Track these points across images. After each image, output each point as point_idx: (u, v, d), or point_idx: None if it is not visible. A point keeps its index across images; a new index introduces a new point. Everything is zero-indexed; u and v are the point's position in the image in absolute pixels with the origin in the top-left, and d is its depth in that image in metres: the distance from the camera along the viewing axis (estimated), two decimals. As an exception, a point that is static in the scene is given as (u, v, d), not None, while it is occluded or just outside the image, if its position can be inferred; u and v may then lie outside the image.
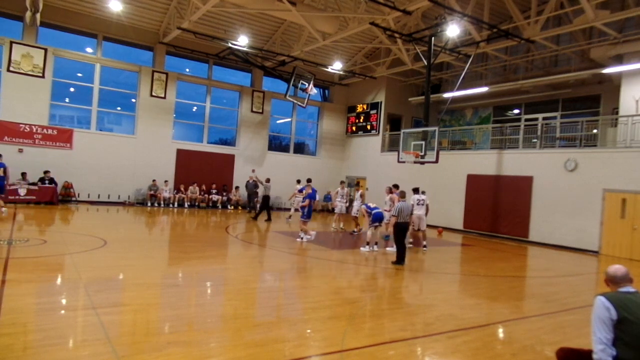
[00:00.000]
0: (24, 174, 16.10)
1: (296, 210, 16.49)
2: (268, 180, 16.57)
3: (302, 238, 11.71)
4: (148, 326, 4.74)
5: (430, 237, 13.70)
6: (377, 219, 10.90)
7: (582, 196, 13.94)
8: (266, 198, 16.32)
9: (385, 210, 11.97)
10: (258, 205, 18.18)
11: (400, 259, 9.26)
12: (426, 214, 12.15)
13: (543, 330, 5.53)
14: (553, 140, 16.04)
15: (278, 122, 23.64)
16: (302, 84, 19.95)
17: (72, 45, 17.84)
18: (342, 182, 16.28)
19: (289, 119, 23.64)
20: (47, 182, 16.49)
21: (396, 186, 12.29)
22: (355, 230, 14.11)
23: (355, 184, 16.16)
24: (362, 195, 14.19)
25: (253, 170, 20.43)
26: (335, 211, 15.25)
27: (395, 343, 4.71)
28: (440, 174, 17.90)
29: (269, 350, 4.25)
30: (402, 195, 10.07)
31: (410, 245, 11.76)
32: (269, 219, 16.06)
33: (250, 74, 22.08)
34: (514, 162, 16.05)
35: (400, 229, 9.36)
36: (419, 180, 17.89)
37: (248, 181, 19.32)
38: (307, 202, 12.05)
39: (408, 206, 9.67)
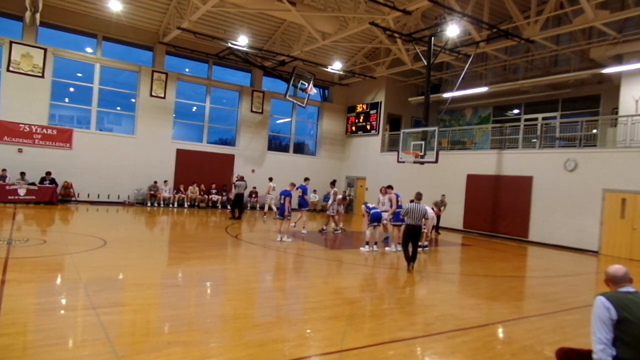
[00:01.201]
0: (22, 174, 16.08)
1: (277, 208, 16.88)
2: (241, 179, 16.50)
3: (280, 239, 11.42)
4: (148, 326, 4.74)
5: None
6: (375, 218, 10.89)
7: (582, 196, 13.94)
8: (238, 196, 16.28)
9: (383, 211, 11.97)
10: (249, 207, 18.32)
11: (407, 262, 8.78)
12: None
13: (543, 330, 5.53)
14: (553, 140, 16.04)
15: (278, 122, 23.64)
16: (301, 84, 19.95)
17: (72, 45, 17.84)
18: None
19: (289, 119, 23.63)
20: (47, 182, 16.48)
21: (390, 187, 12.20)
22: (325, 228, 14.05)
23: (331, 182, 15.93)
24: (334, 194, 14.17)
25: (253, 171, 20.43)
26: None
27: (395, 343, 4.71)
28: (440, 174, 17.90)
29: (269, 350, 4.25)
30: (418, 197, 9.13)
31: (427, 248, 11.72)
32: (234, 217, 16.08)
33: (250, 74, 22.07)
34: (514, 162, 16.05)
35: (409, 232, 8.73)
36: (418, 180, 17.92)
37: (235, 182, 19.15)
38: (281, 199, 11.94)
39: (420, 208, 8.71)
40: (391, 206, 11.37)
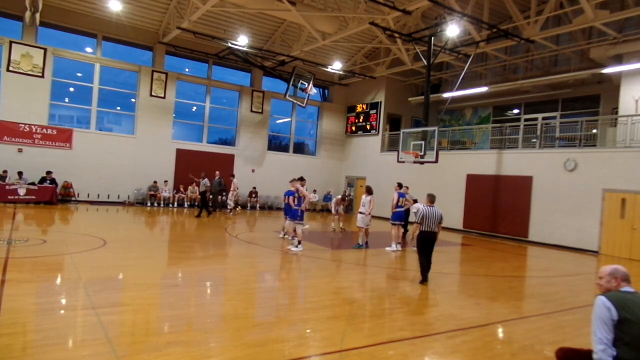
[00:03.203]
0: (20, 173, 16.02)
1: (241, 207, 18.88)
2: (203, 177, 16.28)
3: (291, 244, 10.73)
4: (148, 326, 4.74)
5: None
6: (293, 216, 10.48)
7: (582, 196, 13.94)
8: (202, 194, 16.17)
9: (360, 213, 11.49)
10: (237, 204, 18.31)
11: (423, 276, 7.83)
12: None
13: (542, 330, 5.53)
14: (553, 140, 16.04)
15: (278, 122, 23.63)
16: (301, 83, 19.96)
17: (72, 45, 17.83)
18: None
19: (289, 119, 23.62)
20: (48, 182, 16.46)
21: (400, 185, 12.08)
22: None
23: (298, 179, 15.20)
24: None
25: (253, 171, 20.32)
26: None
27: (395, 343, 4.71)
28: (439, 174, 17.90)
29: (268, 350, 4.25)
30: (431, 200, 8.04)
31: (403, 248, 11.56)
32: (199, 215, 15.88)
33: (249, 74, 22.07)
34: (514, 162, 16.05)
35: (424, 240, 7.80)
36: (418, 180, 17.93)
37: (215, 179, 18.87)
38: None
39: (435, 213, 7.73)
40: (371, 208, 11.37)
